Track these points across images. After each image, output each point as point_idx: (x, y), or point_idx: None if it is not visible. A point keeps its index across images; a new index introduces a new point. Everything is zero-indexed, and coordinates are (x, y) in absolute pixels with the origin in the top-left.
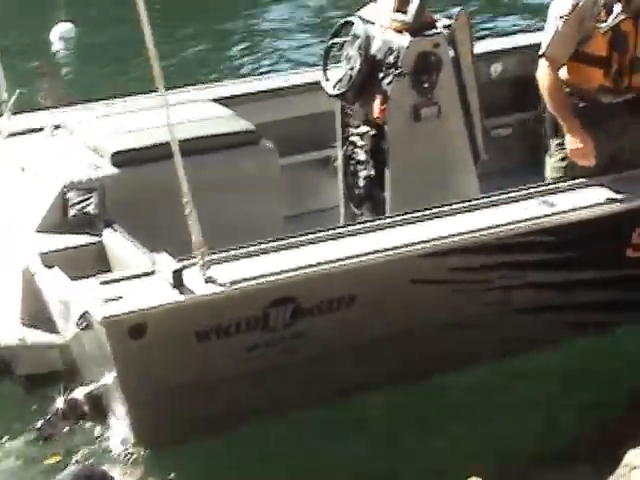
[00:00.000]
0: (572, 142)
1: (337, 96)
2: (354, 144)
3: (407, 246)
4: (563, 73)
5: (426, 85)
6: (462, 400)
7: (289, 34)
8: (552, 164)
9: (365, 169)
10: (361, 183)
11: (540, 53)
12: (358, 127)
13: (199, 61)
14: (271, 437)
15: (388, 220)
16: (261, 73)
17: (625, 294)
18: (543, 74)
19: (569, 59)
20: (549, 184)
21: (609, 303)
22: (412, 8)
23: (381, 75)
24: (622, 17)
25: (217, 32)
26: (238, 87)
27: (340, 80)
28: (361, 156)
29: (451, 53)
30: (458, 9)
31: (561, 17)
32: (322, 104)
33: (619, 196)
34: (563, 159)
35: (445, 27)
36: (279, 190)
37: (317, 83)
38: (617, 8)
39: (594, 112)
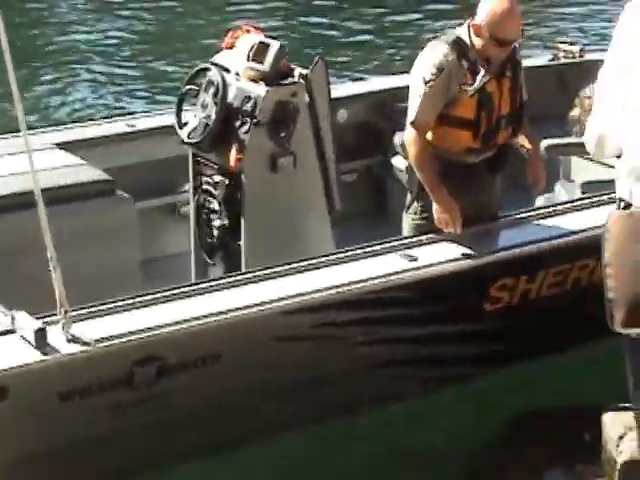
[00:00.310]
0: (440, 211)
1: (192, 144)
2: (207, 192)
3: (270, 303)
4: (429, 136)
5: (283, 135)
6: (336, 450)
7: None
8: (412, 222)
9: (219, 218)
10: (215, 232)
11: (409, 121)
12: (212, 176)
13: (39, 103)
14: None
15: (249, 275)
16: (111, 116)
17: (484, 347)
18: (412, 142)
19: (437, 123)
20: (409, 237)
21: (472, 356)
22: (269, 57)
23: (238, 124)
24: (486, 79)
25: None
26: (86, 131)
27: (195, 128)
28: (215, 205)
29: (308, 101)
30: (317, 57)
31: (426, 83)
32: (173, 149)
33: (478, 250)
34: (423, 219)
35: (302, 76)
36: (135, 237)
37: (168, 127)
38: (482, 70)
39: (459, 173)
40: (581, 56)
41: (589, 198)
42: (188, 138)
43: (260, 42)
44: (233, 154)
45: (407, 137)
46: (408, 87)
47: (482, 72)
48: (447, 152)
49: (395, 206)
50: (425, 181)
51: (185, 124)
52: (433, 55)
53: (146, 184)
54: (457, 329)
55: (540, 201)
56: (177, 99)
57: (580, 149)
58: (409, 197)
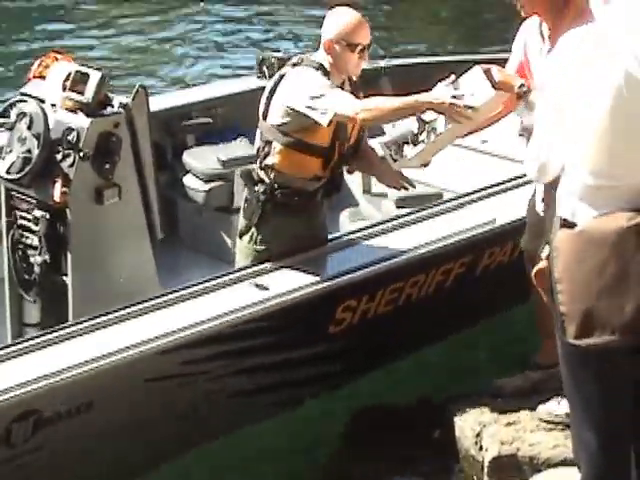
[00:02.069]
0: (440, 107)
1: (11, 181)
2: (24, 228)
3: (136, 346)
4: (277, 160)
5: (107, 166)
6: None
7: None
8: (249, 250)
9: (39, 254)
10: (35, 269)
11: (326, 123)
12: (29, 211)
13: None
14: None
15: (104, 319)
16: None
17: (331, 366)
18: (361, 107)
19: (286, 148)
20: (254, 266)
21: (319, 376)
22: (90, 87)
23: (59, 157)
24: None
25: None
26: None
27: (13, 163)
28: (33, 241)
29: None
30: (137, 85)
31: (324, 85)
32: None
33: (323, 275)
34: (263, 248)
35: (122, 105)
36: None
37: None
38: None
39: (300, 201)
40: None
41: (411, 214)
42: (7, 174)
43: (77, 71)
44: (58, 188)
45: (360, 117)
46: (193, 104)
47: None
48: (291, 178)
49: (187, 226)
50: (403, 111)
51: (2, 159)
52: (310, 73)
53: None
54: (307, 352)
55: (345, 215)
56: None
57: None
58: (243, 224)
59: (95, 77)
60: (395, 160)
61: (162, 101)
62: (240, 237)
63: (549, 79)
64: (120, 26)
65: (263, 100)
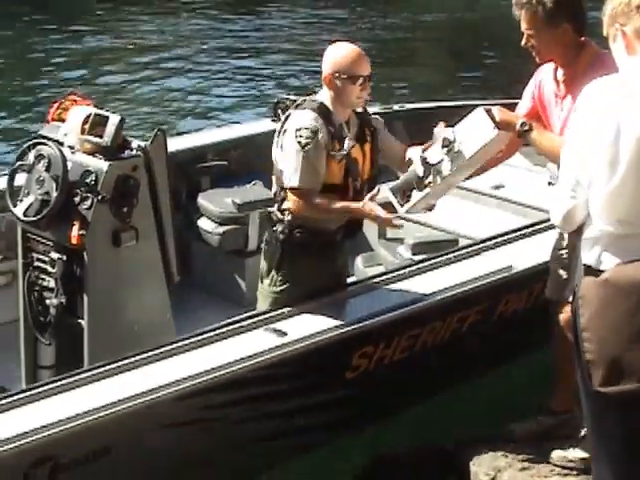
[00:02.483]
0: (368, 217)
1: (29, 223)
2: (40, 270)
3: (153, 391)
4: (289, 204)
5: (125, 209)
6: None
7: None
8: (271, 293)
9: (56, 296)
10: (51, 311)
11: (291, 187)
12: (45, 253)
13: None
14: None
15: (119, 364)
16: None
17: (346, 411)
18: (301, 208)
19: None
20: (273, 311)
21: (335, 422)
22: (109, 130)
23: (77, 199)
24: (352, 143)
25: None
26: None
27: (31, 205)
28: (50, 283)
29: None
30: (156, 129)
31: (303, 147)
32: None
33: (343, 320)
34: (283, 290)
35: (140, 148)
36: None
37: None
38: (347, 135)
39: (320, 241)
40: None
41: (428, 260)
42: (24, 216)
43: (96, 114)
44: (75, 231)
45: (295, 204)
46: (209, 147)
47: (347, 137)
48: (309, 219)
49: (201, 268)
50: (336, 214)
51: (20, 201)
52: (303, 120)
53: None
54: (323, 398)
55: (360, 260)
56: (8, 176)
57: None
58: (264, 267)
59: (114, 120)
60: (402, 205)
61: (177, 143)
62: (261, 280)
63: (573, 128)
64: (138, 72)
65: (274, 145)
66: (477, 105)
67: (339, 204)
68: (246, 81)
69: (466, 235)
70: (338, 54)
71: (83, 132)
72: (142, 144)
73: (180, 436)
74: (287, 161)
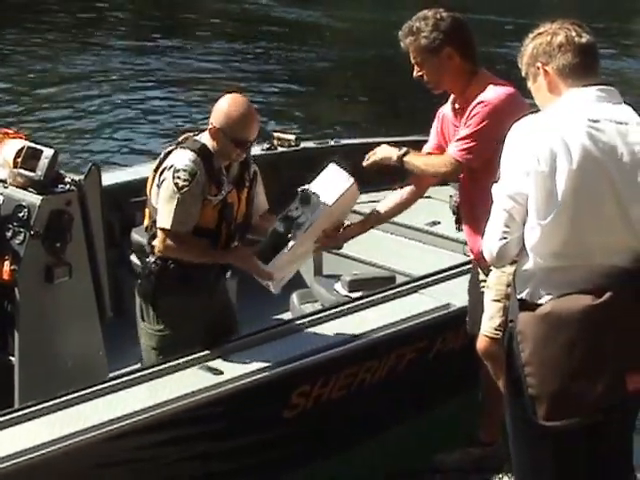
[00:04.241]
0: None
1: None
2: None
3: (86, 431)
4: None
5: (58, 245)
6: None
7: None
8: (151, 331)
9: None
10: None
11: (163, 228)
12: None
13: None
14: None
15: (50, 403)
16: None
17: (285, 450)
18: (171, 249)
19: None
20: (207, 349)
21: (274, 461)
22: (42, 164)
23: (9, 234)
24: (230, 189)
25: None
26: None
27: None
28: None
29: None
30: (90, 164)
31: (180, 189)
32: None
33: (282, 358)
34: (162, 328)
35: (74, 183)
36: None
37: None
38: (225, 180)
39: (195, 275)
40: (297, 145)
41: (365, 297)
42: None
43: (29, 147)
44: (7, 266)
45: (163, 245)
46: (143, 182)
47: (225, 182)
48: (182, 261)
49: (133, 305)
50: (207, 259)
51: None
52: (183, 161)
53: None
54: (261, 437)
55: (296, 297)
56: None
57: None
58: (141, 304)
59: (47, 153)
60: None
61: (112, 177)
62: (142, 318)
63: (504, 166)
64: (72, 106)
65: (149, 178)
66: (415, 141)
67: (209, 254)
68: (180, 114)
69: (403, 272)
70: (231, 113)
71: (15, 165)
72: (76, 178)
73: (112, 478)
74: (162, 200)
